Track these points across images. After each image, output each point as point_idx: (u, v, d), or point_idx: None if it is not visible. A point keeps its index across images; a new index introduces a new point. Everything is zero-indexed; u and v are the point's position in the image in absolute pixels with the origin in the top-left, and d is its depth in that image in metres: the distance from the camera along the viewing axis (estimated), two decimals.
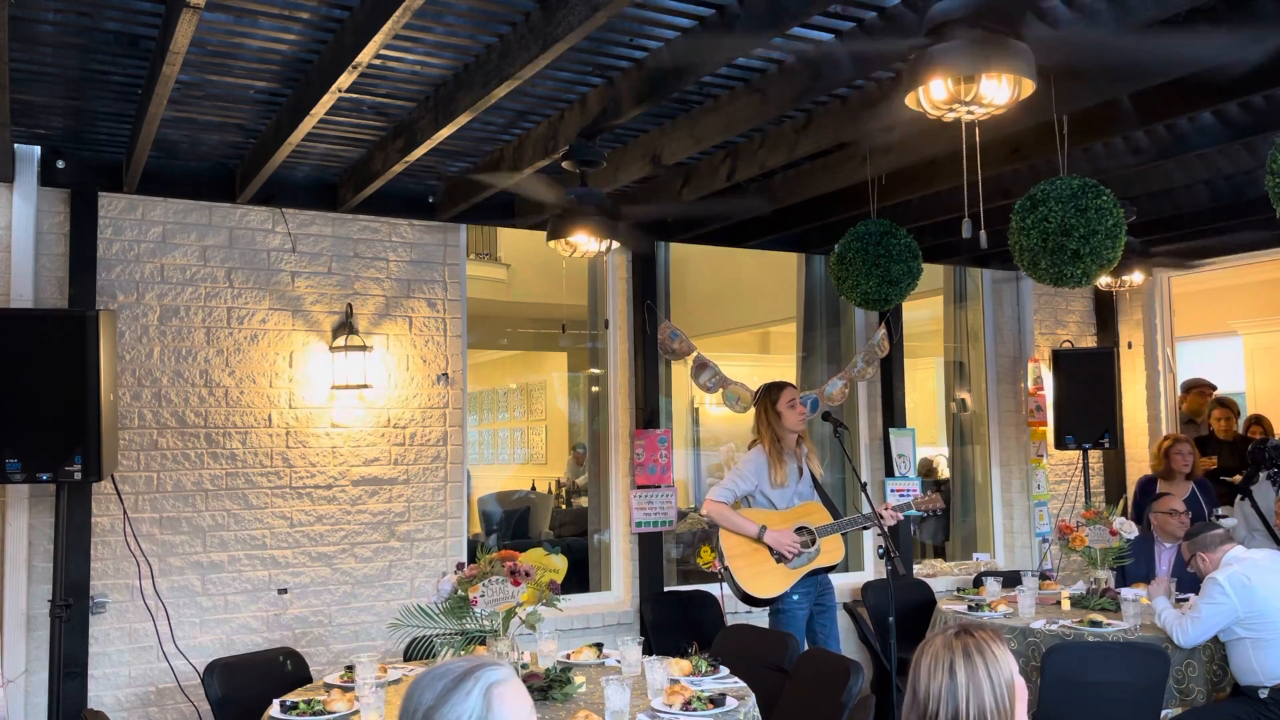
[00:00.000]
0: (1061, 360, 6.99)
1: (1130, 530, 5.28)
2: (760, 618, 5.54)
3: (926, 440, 8.55)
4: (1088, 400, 6.85)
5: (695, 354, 6.19)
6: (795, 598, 4.95)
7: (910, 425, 6.87)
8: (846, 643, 6.16)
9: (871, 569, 6.77)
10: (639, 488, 5.95)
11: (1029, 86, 2.76)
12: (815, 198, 5.33)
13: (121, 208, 4.84)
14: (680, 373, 6.35)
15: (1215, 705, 4.33)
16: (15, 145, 4.48)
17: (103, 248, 4.76)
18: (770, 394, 5.15)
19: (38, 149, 4.58)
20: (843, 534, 5.09)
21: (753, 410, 5.29)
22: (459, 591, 3.52)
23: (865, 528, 5.24)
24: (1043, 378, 7.36)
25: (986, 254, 6.93)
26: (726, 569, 4.85)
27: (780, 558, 4.91)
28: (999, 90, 2.73)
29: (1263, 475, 5.70)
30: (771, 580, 4.91)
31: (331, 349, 5.22)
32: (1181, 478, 6.10)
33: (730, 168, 4.77)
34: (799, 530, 4.97)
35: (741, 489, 5.02)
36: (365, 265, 5.36)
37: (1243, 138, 4.35)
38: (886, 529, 4.76)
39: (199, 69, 3.70)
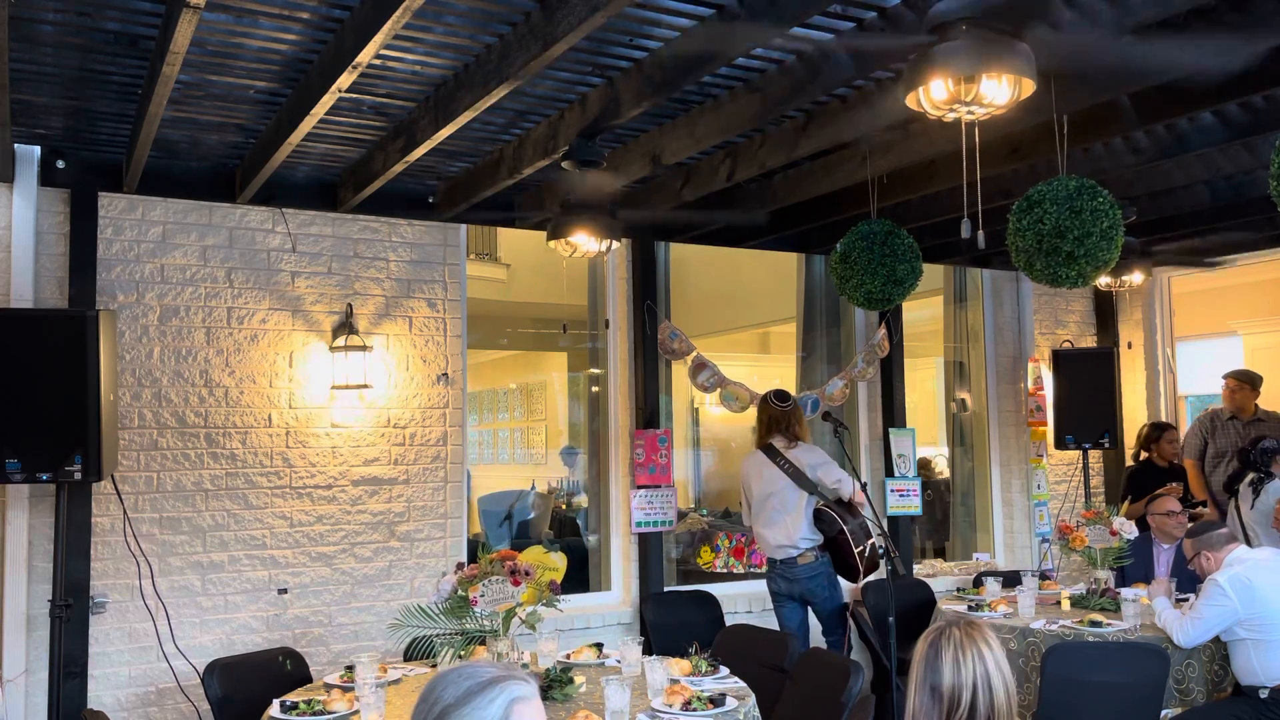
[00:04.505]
0: (1061, 360, 6.99)
1: (1130, 530, 5.28)
2: (758, 618, 5.53)
3: (926, 440, 8.54)
4: (1088, 400, 6.85)
5: (694, 354, 6.19)
6: None
7: (910, 425, 6.87)
8: None
9: None
10: (639, 488, 5.95)
11: (1029, 86, 2.76)
12: (815, 198, 5.33)
13: (121, 208, 4.84)
14: (680, 372, 6.35)
15: (1215, 705, 4.32)
16: (15, 145, 4.48)
17: (103, 248, 4.76)
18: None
19: (38, 149, 4.58)
20: None
21: (789, 412, 5.49)
22: (459, 591, 3.52)
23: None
24: (1043, 378, 7.36)
25: (986, 254, 6.93)
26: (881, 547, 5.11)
27: None
28: (999, 90, 2.74)
29: (1250, 478, 5.69)
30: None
31: (331, 349, 5.22)
32: None
33: (730, 168, 4.77)
34: None
35: None
36: (365, 265, 5.36)
37: (1243, 138, 4.35)
38: (886, 529, 4.80)
39: (199, 69, 3.70)
